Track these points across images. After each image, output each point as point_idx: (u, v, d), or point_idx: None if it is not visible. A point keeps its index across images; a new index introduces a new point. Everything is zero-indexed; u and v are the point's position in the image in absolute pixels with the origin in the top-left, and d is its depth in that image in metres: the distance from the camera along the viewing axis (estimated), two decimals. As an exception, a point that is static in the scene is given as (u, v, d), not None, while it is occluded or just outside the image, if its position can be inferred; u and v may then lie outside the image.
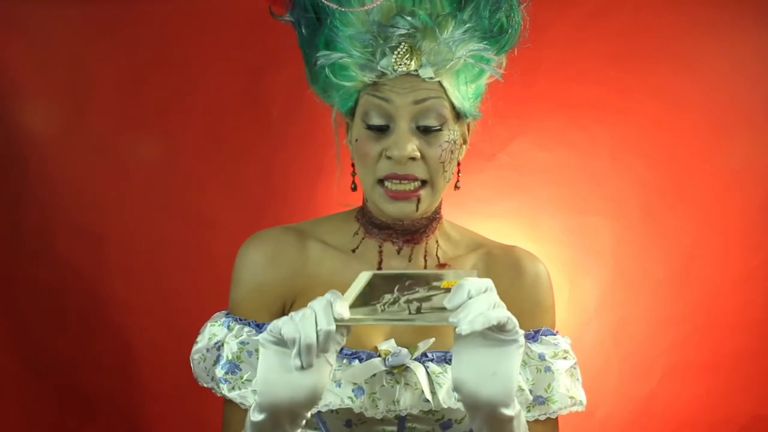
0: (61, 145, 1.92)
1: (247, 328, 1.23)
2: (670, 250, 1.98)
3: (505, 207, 1.96)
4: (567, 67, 1.93)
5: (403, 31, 1.14)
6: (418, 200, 1.18)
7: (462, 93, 1.18)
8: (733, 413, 1.97)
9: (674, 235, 1.98)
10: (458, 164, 1.24)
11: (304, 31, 1.21)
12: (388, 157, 1.16)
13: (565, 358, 1.26)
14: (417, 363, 1.19)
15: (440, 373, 1.19)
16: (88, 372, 1.94)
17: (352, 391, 1.17)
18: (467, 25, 1.15)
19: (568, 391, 1.25)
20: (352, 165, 1.24)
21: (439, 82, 1.17)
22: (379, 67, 1.16)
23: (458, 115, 1.20)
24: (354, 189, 1.26)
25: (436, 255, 1.27)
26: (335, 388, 1.17)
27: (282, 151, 1.96)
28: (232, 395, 1.21)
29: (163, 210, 1.95)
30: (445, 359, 1.21)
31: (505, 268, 1.29)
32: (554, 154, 1.97)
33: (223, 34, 1.94)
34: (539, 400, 1.24)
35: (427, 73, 1.15)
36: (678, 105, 1.96)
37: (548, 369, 1.24)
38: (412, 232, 1.25)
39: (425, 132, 1.16)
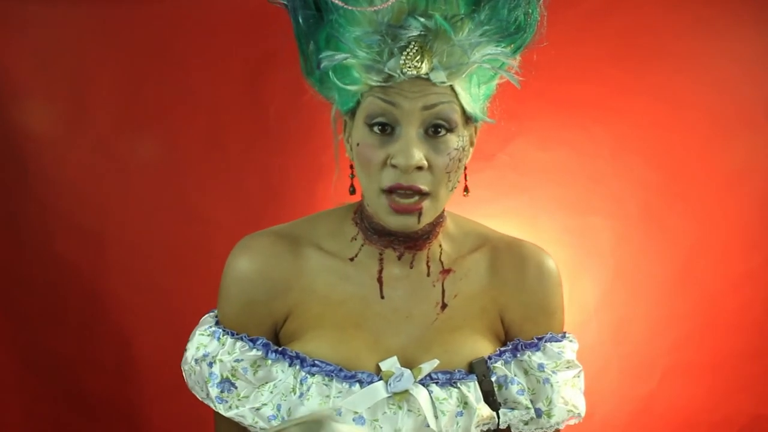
0: (61, 145, 1.92)
1: (240, 343, 1.18)
2: (670, 250, 1.97)
3: (505, 207, 1.95)
4: (567, 67, 1.92)
5: (414, 33, 1.06)
6: (420, 213, 1.11)
7: (473, 96, 1.12)
8: (733, 413, 1.97)
9: (674, 235, 1.97)
10: (465, 168, 1.18)
11: (301, 22, 1.11)
12: (393, 165, 1.08)
13: (568, 367, 1.22)
14: (420, 387, 1.15)
15: (444, 399, 1.15)
16: (87, 372, 1.94)
17: (353, 420, 1.13)
18: (484, 27, 1.08)
19: (567, 403, 1.21)
20: (351, 167, 1.17)
21: (450, 86, 1.09)
22: (386, 69, 1.07)
23: (467, 119, 1.14)
24: (352, 192, 1.20)
25: (440, 260, 1.22)
26: (335, 416, 1.11)
27: (281, 151, 1.96)
28: (230, 414, 1.17)
29: (162, 210, 1.95)
30: (450, 382, 1.17)
31: (509, 266, 1.24)
32: (554, 154, 1.97)
33: (223, 34, 1.94)
34: (537, 413, 1.21)
35: (438, 77, 1.08)
36: (678, 105, 1.96)
37: (547, 381, 1.20)
38: (414, 239, 1.19)
39: (433, 138, 1.10)
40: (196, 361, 1.19)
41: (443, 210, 1.22)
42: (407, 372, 1.14)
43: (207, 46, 1.94)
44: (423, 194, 1.11)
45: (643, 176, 1.97)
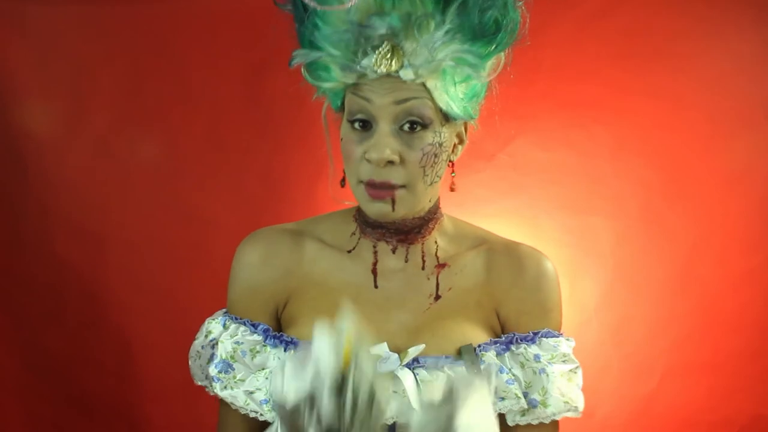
0: (61, 145, 1.92)
1: (242, 328, 1.24)
2: (670, 250, 1.97)
3: (505, 207, 1.96)
4: (567, 67, 1.92)
5: (382, 32, 1.10)
6: (393, 201, 1.15)
7: (451, 94, 1.14)
8: (733, 413, 1.97)
9: (674, 235, 1.97)
10: (452, 165, 1.22)
11: (297, 25, 1.18)
12: (367, 160, 1.14)
13: (563, 361, 1.24)
14: (406, 370, 1.18)
15: (430, 381, 1.18)
16: (87, 372, 1.94)
17: None
18: (448, 26, 1.10)
19: (563, 395, 1.23)
20: None
21: (423, 83, 1.12)
22: (359, 68, 1.12)
23: (446, 117, 1.16)
24: (344, 185, 1.25)
25: (435, 255, 1.26)
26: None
27: (282, 151, 1.96)
28: (224, 394, 1.22)
29: (162, 210, 1.95)
30: (437, 366, 1.19)
31: (506, 266, 1.26)
32: (554, 154, 1.97)
33: (223, 34, 1.94)
34: (533, 403, 1.22)
35: (407, 75, 1.11)
36: (678, 105, 1.96)
37: (542, 371, 1.22)
38: (405, 232, 1.23)
39: (408, 134, 1.13)
40: (203, 346, 1.26)
41: (438, 208, 1.26)
42: (394, 355, 1.19)
43: (207, 46, 1.94)
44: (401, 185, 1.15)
45: (643, 176, 1.97)
